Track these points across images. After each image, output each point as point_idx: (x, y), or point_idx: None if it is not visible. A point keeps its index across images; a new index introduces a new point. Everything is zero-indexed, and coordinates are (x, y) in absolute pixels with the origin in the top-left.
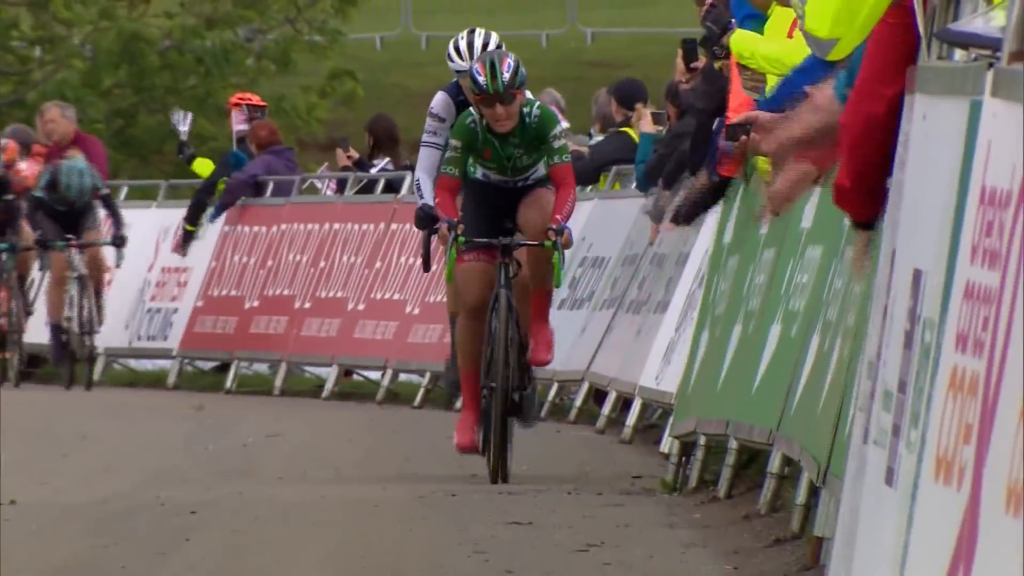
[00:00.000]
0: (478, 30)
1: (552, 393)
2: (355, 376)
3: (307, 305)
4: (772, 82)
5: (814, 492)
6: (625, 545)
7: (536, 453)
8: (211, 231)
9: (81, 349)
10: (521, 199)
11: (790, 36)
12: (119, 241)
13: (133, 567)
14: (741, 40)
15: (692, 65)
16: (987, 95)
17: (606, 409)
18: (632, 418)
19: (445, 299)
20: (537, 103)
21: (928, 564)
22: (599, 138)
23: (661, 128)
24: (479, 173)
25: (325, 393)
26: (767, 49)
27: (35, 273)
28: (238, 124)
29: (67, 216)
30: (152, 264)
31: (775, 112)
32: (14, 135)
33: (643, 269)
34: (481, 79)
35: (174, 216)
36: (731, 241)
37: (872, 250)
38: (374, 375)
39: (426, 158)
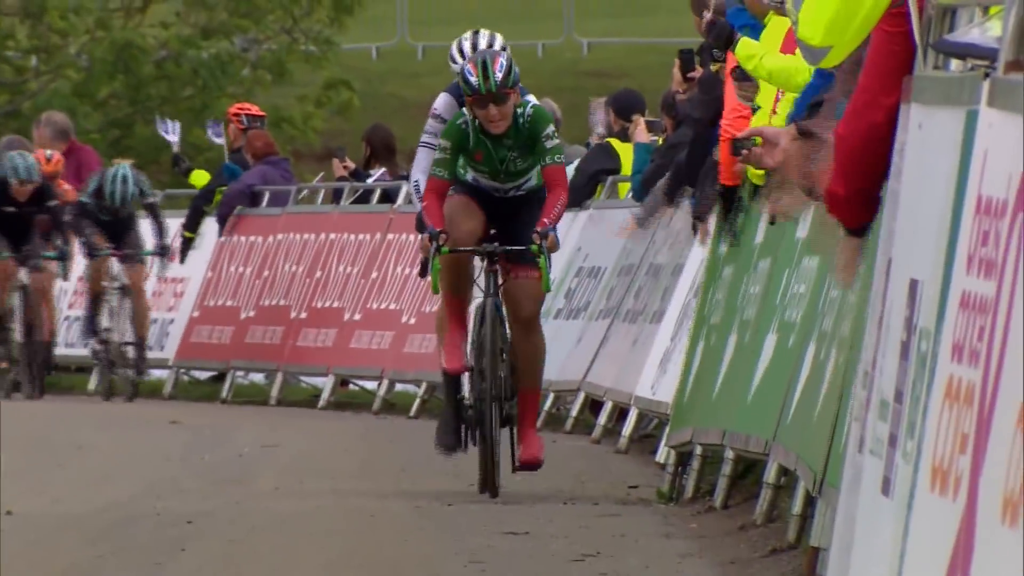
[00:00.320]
0: (482, 31)
1: (548, 403)
2: (351, 386)
3: (303, 315)
4: (766, 90)
5: (810, 502)
6: (621, 555)
7: None
8: (207, 241)
9: (122, 360)
10: (513, 217)
11: (788, 45)
12: (162, 250)
13: None
14: (746, 52)
15: (689, 75)
16: (983, 105)
17: (602, 419)
18: (628, 428)
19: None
20: (532, 103)
21: (924, 574)
22: (581, 149)
23: (656, 138)
24: (469, 176)
25: (321, 403)
26: (772, 64)
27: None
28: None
29: (111, 225)
30: (148, 274)
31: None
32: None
33: (639, 279)
34: (473, 79)
35: (171, 226)
36: (726, 251)
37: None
38: (370, 385)
39: (424, 159)
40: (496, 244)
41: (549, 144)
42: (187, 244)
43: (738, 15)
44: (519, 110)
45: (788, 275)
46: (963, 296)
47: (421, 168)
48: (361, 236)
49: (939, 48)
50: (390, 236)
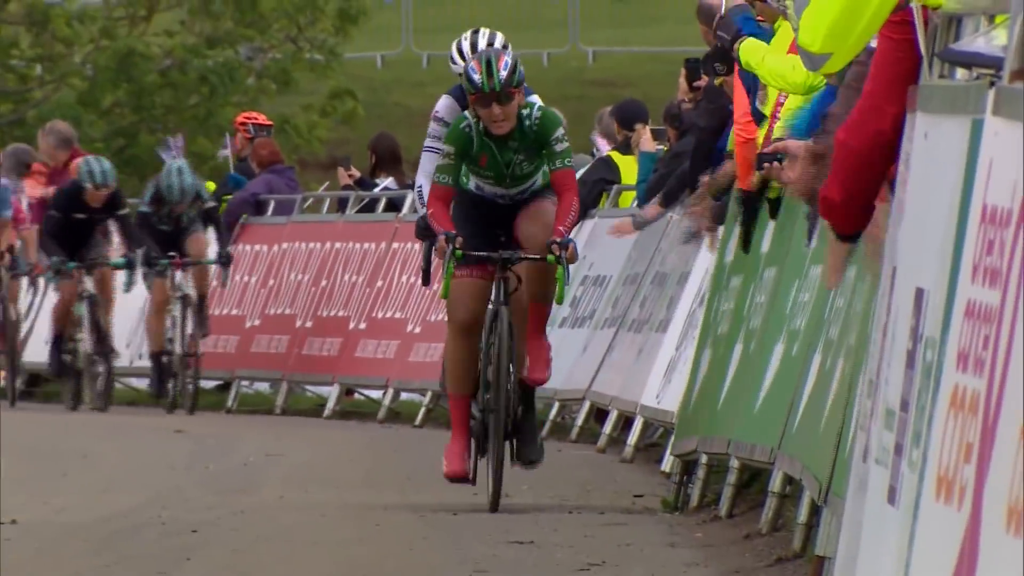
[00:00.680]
0: (482, 30)
1: (553, 412)
2: (356, 395)
3: (308, 324)
4: (773, 96)
5: (816, 511)
6: (626, 564)
7: (537, 472)
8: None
9: (183, 371)
10: (519, 212)
11: (793, 51)
12: (225, 259)
13: None
14: (750, 49)
15: (695, 84)
16: (988, 114)
17: (607, 428)
18: (633, 437)
19: (445, 318)
20: (538, 104)
21: None
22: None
23: (661, 147)
24: (472, 184)
25: (326, 412)
26: (772, 62)
27: (27, 296)
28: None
29: (171, 236)
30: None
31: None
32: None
33: (644, 288)
34: (476, 77)
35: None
36: (732, 260)
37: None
38: (375, 394)
39: (428, 163)
40: (512, 252)
41: (559, 147)
42: None
43: (746, 23)
44: (524, 111)
45: (794, 285)
46: (968, 305)
47: (425, 172)
48: (366, 245)
49: (945, 57)
50: (395, 245)
